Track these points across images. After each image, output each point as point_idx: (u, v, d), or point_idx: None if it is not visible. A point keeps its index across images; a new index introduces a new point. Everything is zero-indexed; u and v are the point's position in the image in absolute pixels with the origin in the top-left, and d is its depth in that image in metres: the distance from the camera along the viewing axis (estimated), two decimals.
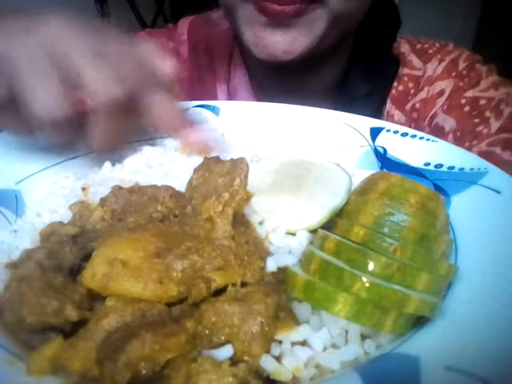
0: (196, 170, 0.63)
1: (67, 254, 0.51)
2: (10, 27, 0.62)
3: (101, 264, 0.47)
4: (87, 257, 0.50)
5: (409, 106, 1.12)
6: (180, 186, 0.64)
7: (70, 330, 0.45)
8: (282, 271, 0.51)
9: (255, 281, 0.50)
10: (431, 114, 1.09)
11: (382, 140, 0.76)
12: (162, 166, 0.72)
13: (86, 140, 0.67)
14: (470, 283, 0.50)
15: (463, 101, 1.05)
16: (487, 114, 1.01)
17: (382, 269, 0.47)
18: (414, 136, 0.75)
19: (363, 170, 0.72)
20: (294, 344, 0.46)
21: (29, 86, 0.59)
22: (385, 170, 0.72)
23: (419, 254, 0.50)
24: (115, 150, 0.73)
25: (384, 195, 0.56)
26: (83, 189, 0.69)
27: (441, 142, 0.73)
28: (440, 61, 1.11)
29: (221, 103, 0.89)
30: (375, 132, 0.78)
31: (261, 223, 0.58)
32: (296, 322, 0.47)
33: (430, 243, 0.53)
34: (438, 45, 1.16)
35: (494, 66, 1.12)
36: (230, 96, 1.22)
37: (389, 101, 1.13)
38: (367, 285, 0.44)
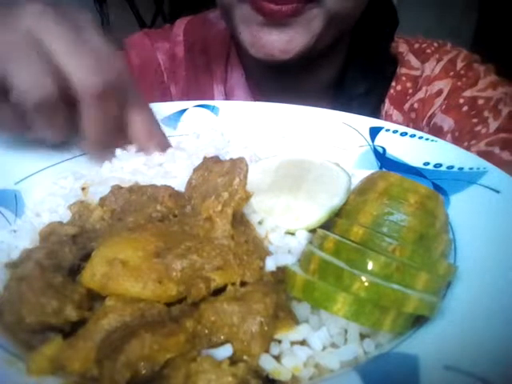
0: (195, 170, 0.63)
1: (67, 253, 0.51)
2: None
3: (100, 264, 0.47)
4: (87, 256, 0.50)
5: (407, 105, 1.12)
6: (179, 185, 0.64)
7: (70, 330, 0.45)
8: (282, 271, 0.51)
9: (254, 280, 0.50)
10: (429, 113, 1.09)
11: (381, 140, 0.76)
12: (161, 165, 0.72)
13: (78, 134, 0.68)
14: (470, 283, 0.50)
15: (461, 100, 1.05)
16: (485, 113, 1.01)
17: (381, 268, 0.47)
18: (413, 136, 0.75)
19: (362, 169, 0.72)
20: (293, 343, 0.46)
21: (13, 70, 0.60)
22: (384, 169, 0.72)
23: (418, 253, 0.50)
24: (108, 147, 0.73)
25: (383, 195, 0.56)
26: (83, 188, 0.69)
27: (440, 142, 0.73)
28: (438, 60, 1.12)
29: (220, 103, 0.89)
30: (374, 132, 0.78)
31: (260, 223, 0.58)
32: (295, 321, 0.47)
33: (430, 243, 0.53)
34: (435, 44, 1.16)
35: (492, 65, 1.12)
36: (227, 96, 1.22)
37: (387, 100, 1.13)
38: (366, 284, 0.44)
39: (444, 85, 1.08)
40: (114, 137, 0.72)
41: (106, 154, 0.73)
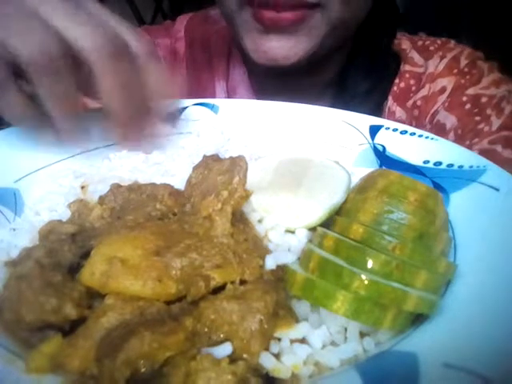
0: (195, 168, 0.63)
1: (66, 252, 0.51)
2: None
3: (100, 262, 0.47)
4: (86, 255, 0.50)
5: (410, 102, 1.12)
6: (179, 184, 0.64)
7: (69, 328, 0.45)
8: (281, 269, 0.52)
9: (254, 279, 0.50)
10: (432, 111, 1.08)
11: (381, 138, 0.76)
12: (160, 164, 0.72)
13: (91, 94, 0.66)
14: (469, 281, 0.50)
15: (464, 98, 1.05)
16: (488, 111, 1.01)
17: (381, 266, 0.47)
18: (413, 134, 0.75)
19: (362, 167, 0.72)
20: (293, 341, 0.46)
21: (15, 39, 0.59)
22: (384, 167, 0.72)
23: (418, 251, 0.50)
24: (136, 124, 0.71)
25: (383, 193, 0.56)
26: (82, 187, 0.69)
27: (440, 140, 0.73)
28: (441, 58, 1.11)
29: (220, 101, 0.89)
30: (374, 130, 0.78)
31: (260, 221, 0.58)
32: (295, 319, 0.48)
33: (429, 241, 0.53)
34: (439, 42, 1.15)
35: (495, 63, 1.12)
36: (229, 93, 1.21)
37: (390, 97, 1.12)
38: (366, 282, 0.44)
39: (447, 82, 1.08)
40: (139, 110, 0.69)
41: (137, 139, 0.71)
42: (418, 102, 1.11)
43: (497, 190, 0.59)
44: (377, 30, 1.12)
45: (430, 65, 1.11)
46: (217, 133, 0.82)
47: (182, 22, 1.25)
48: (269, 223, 0.57)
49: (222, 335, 0.45)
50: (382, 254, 0.48)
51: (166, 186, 0.62)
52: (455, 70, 1.09)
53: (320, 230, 0.55)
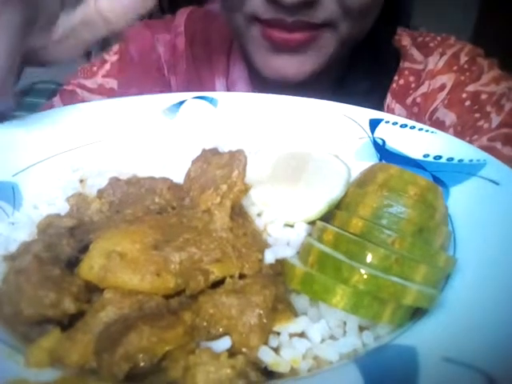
0: (194, 162, 0.62)
1: (64, 246, 0.51)
2: None
3: (98, 256, 0.46)
4: (85, 249, 0.50)
5: (409, 100, 1.11)
6: (178, 177, 0.63)
7: (68, 323, 0.45)
8: (280, 263, 0.51)
9: (253, 273, 0.50)
10: (432, 108, 1.08)
11: (380, 131, 0.76)
12: (159, 157, 0.72)
13: None
14: (469, 275, 0.50)
15: (464, 95, 1.04)
16: (488, 108, 1.00)
17: (380, 261, 0.47)
18: (413, 127, 0.74)
19: (362, 161, 0.71)
20: (292, 336, 0.46)
21: None
22: (384, 161, 0.72)
23: (418, 245, 0.50)
24: None
25: (383, 187, 0.56)
26: (81, 181, 0.69)
27: (440, 134, 0.73)
28: (441, 54, 1.10)
29: (219, 94, 0.88)
30: (374, 123, 0.77)
31: (259, 215, 0.58)
32: (294, 313, 0.47)
33: (429, 235, 0.53)
34: (439, 38, 1.14)
35: (495, 59, 1.11)
36: (229, 89, 1.20)
37: (389, 95, 1.12)
38: (365, 277, 0.44)
39: (447, 79, 1.07)
40: None
41: None
42: (418, 99, 1.10)
43: (497, 183, 0.59)
44: (378, 28, 1.12)
45: (430, 62, 1.10)
46: (216, 126, 0.81)
47: (181, 16, 1.24)
48: (268, 217, 0.57)
49: (220, 329, 0.45)
50: (381, 248, 0.48)
51: (165, 179, 0.62)
52: (455, 67, 1.08)
53: (319, 223, 0.54)
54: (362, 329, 0.48)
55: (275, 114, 0.84)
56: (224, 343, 0.43)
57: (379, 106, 1.11)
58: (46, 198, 0.65)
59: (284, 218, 0.57)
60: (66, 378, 0.40)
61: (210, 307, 0.45)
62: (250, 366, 0.42)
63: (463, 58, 1.09)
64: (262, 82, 1.18)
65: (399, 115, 1.09)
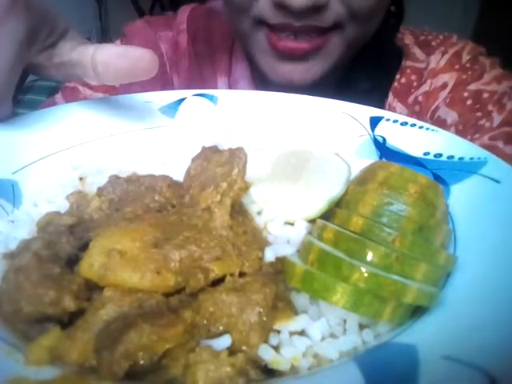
0: (194, 160, 0.62)
1: (64, 244, 0.51)
2: None
3: (98, 254, 0.46)
4: (84, 247, 0.50)
5: (411, 98, 1.11)
6: (178, 175, 0.63)
7: (68, 321, 0.45)
8: (281, 261, 0.51)
9: (253, 271, 0.49)
10: (433, 107, 1.07)
11: (381, 129, 0.76)
12: (159, 155, 0.72)
13: None
14: (469, 273, 0.50)
15: (466, 94, 1.04)
16: (490, 107, 1.00)
17: (380, 259, 0.47)
18: (413, 125, 0.74)
19: (362, 159, 0.71)
20: (292, 334, 0.46)
21: None
22: (384, 159, 0.72)
23: (418, 243, 0.50)
24: None
25: (383, 185, 0.56)
26: (80, 178, 0.68)
27: (440, 132, 0.72)
28: (443, 53, 1.10)
29: (219, 92, 0.88)
30: (375, 121, 0.77)
31: (259, 213, 0.58)
32: (294, 311, 0.47)
33: (429, 233, 0.53)
34: (441, 37, 1.14)
35: (497, 58, 1.11)
36: (231, 88, 1.20)
37: (390, 93, 1.11)
38: (366, 275, 0.44)
39: (449, 78, 1.07)
40: None
41: None
42: (419, 98, 1.10)
43: (497, 182, 0.59)
44: (381, 28, 1.11)
45: (432, 60, 1.10)
46: (216, 124, 0.81)
47: (183, 13, 1.23)
48: (268, 215, 0.57)
49: (221, 327, 0.45)
50: (381, 247, 0.48)
51: (165, 177, 0.62)
52: (457, 66, 1.08)
53: (319, 222, 0.54)
54: (362, 327, 0.48)
55: (275, 111, 0.84)
56: (224, 341, 0.43)
57: (380, 105, 1.11)
58: (46, 195, 0.65)
59: (284, 216, 0.57)
60: (66, 376, 0.40)
61: (210, 305, 0.45)
62: (250, 364, 0.42)
63: (465, 57, 1.08)
64: (264, 81, 1.18)
65: (400, 114, 1.09)
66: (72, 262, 0.50)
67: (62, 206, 0.62)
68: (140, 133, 0.79)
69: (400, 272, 0.46)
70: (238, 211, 0.55)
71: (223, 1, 1.03)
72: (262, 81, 1.17)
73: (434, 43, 1.13)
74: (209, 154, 0.61)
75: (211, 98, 0.87)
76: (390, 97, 1.11)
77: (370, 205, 0.55)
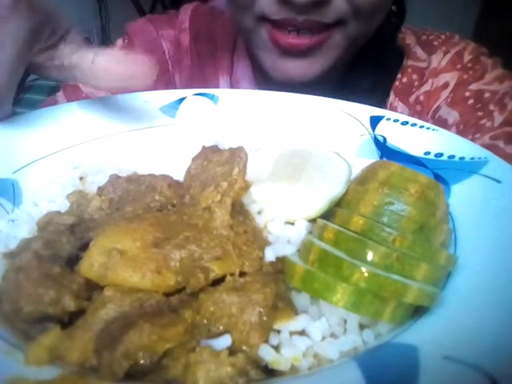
0: (194, 159, 0.62)
1: (64, 243, 0.51)
2: None
3: (98, 254, 0.46)
4: (85, 246, 0.50)
5: (412, 98, 1.10)
6: (178, 175, 0.63)
7: (68, 320, 0.45)
8: (281, 261, 0.51)
9: (254, 271, 0.49)
10: (435, 106, 1.07)
11: (381, 129, 0.76)
12: (159, 154, 0.72)
13: None
14: (470, 273, 0.50)
15: (467, 93, 1.04)
16: (491, 107, 1.00)
17: (381, 258, 0.47)
18: (414, 125, 0.74)
19: (363, 158, 0.71)
20: (292, 334, 0.46)
21: None
22: (385, 158, 0.72)
23: (419, 243, 0.50)
24: None
25: (384, 184, 0.55)
26: (81, 178, 0.68)
27: (441, 131, 0.72)
28: (445, 53, 1.10)
29: (219, 91, 0.88)
30: (375, 121, 0.77)
31: (259, 212, 0.57)
32: (294, 311, 0.47)
33: (430, 233, 0.53)
34: (443, 36, 1.14)
35: (499, 58, 1.11)
36: (233, 87, 1.20)
37: (392, 93, 1.11)
38: (366, 275, 0.44)
39: (450, 77, 1.07)
40: None
41: None
42: (421, 98, 1.10)
43: (498, 181, 0.59)
44: (383, 27, 1.11)
45: (434, 60, 1.10)
46: (216, 123, 0.81)
47: (186, 12, 1.23)
48: (268, 215, 0.57)
49: (221, 327, 0.45)
50: (382, 246, 0.48)
51: (165, 177, 0.62)
52: (458, 66, 1.08)
53: (320, 221, 0.54)
54: (362, 327, 0.47)
55: (276, 111, 0.84)
56: (224, 341, 0.43)
57: (382, 104, 1.11)
58: (46, 195, 0.65)
59: (284, 216, 0.57)
60: (66, 376, 0.40)
61: (211, 305, 0.45)
62: (251, 364, 0.42)
63: (467, 57, 1.08)
64: (265, 79, 1.18)
65: (402, 113, 1.09)
66: (72, 261, 0.50)
67: (63, 205, 0.62)
68: (140, 132, 0.79)
69: (400, 272, 0.46)
70: (239, 211, 0.55)
71: None
72: (263, 79, 1.17)
73: (435, 43, 1.13)
74: (209, 153, 0.61)
75: (212, 98, 0.87)
76: (392, 96, 1.11)
77: (370, 204, 0.54)
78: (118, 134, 0.78)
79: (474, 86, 1.04)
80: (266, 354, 0.43)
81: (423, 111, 1.09)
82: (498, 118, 0.98)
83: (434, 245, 0.52)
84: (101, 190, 0.61)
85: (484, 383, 0.36)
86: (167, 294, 0.46)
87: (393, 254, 0.47)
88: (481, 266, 0.50)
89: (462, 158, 0.65)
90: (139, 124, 0.80)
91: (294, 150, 0.68)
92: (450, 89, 1.06)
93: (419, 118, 1.05)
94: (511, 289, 0.45)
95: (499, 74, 1.06)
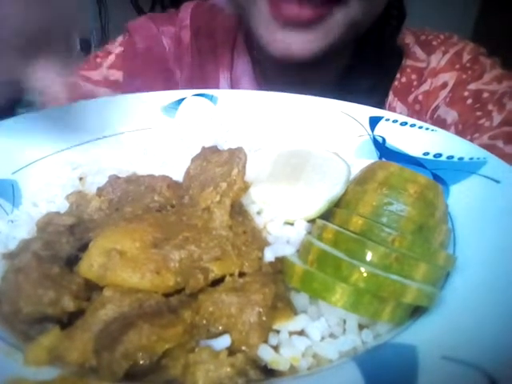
0: (193, 160, 0.62)
1: (64, 244, 0.51)
2: None
3: (98, 254, 0.46)
4: (84, 247, 0.50)
5: (411, 97, 1.11)
6: (177, 175, 0.63)
7: (68, 321, 0.45)
8: (280, 261, 0.51)
9: (253, 271, 0.49)
10: (433, 106, 1.07)
11: (380, 129, 0.76)
12: (159, 155, 0.72)
13: None
14: (469, 273, 0.50)
15: (466, 93, 1.04)
16: (490, 107, 1.00)
17: (380, 259, 0.47)
18: (413, 125, 0.74)
19: (362, 159, 0.71)
20: (291, 334, 0.46)
21: None
22: (384, 159, 0.72)
23: (418, 244, 0.50)
24: None
25: (383, 185, 0.56)
26: (80, 178, 0.68)
27: (440, 132, 0.72)
28: (444, 53, 1.10)
29: (218, 92, 0.88)
30: (374, 121, 0.77)
31: (259, 213, 0.58)
32: (294, 311, 0.47)
33: (429, 233, 0.53)
34: (442, 37, 1.14)
35: (497, 58, 1.11)
36: (233, 84, 1.20)
37: (391, 92, 1.11)
38: (365, 275, 0.44)
39: (449, 77, 1.07)
40: None
41: None
42: (420, 97, 1.10)
43: (497, 182, 0.59)
44: (381, 26, 1.11)
45: (433, 60, 1.10)
46: (216, 124, 0.81)
47: (186, 10, 1.23)
48: (268, 215, 0.57)
49: (220, 327, 0.45)
50: (381, 247, 0.48)
51: (165, 177, 0.62)
52: (457, 65, 1.08)
53: (319, 222, 0.54)
54: (361, 327, 0.48)
55: (275, 111, 0.84)
56: (224, 341, 0.43)
57: (381, 104, 1.11)
58: (46, 195, 0.65)
59: (284, 216, 0.57)
60: (66, 377, 0.40)
61: (210, 305, 0.45)
62: (250, 364, 0.42)
63: (466, 57, 1.09)
64: (265, 76, 1.17)
65: (401, 113, 1.09)
66: (72, 262, 0.50)
67: (62, 205, 0.62)
68: (140, 133, 0.79)
69: (399, 272, 0.46)
70: (238, 211, 0.55)
71: None
72: (263, 76, 1.17)
73: (434, 43, 1.13)
74: (208, 154, 0.61)
75: (211, 98, 0.87)
76: (391, 96, 1.12)
77: (369, 205, 0.55)
78: (117, 134, 0.78)
79: (472, 86, 1.04)
80: (266, 354, 0.43)
81: (422, 111, 1.09)
82: (497, 118, 0.98)
83: (433, 245, 0.52)
84: (100, 191, 0.61)
85: (483, 383, 0.36)
86: (166, 295, 0.46)
87: (392, 254, 0.47)
88: (480, 266, 0.50)
89: (460, 159, 0.65)
90: (138, 125, 0.80)
91: (293, 151, 0.68)
92: (448, 88, 1.06)
93: (418, 118, 1.06)
94: (510, 289, 0.45)
95: (498, 74, 1.06)
